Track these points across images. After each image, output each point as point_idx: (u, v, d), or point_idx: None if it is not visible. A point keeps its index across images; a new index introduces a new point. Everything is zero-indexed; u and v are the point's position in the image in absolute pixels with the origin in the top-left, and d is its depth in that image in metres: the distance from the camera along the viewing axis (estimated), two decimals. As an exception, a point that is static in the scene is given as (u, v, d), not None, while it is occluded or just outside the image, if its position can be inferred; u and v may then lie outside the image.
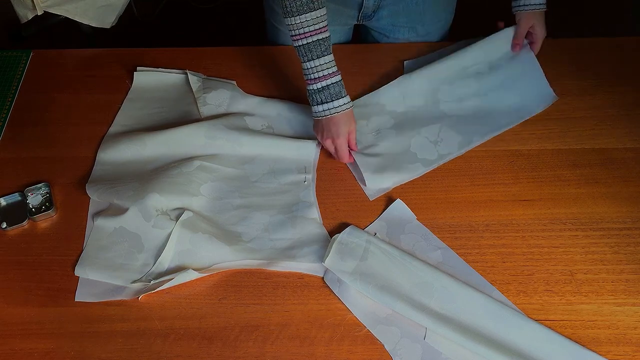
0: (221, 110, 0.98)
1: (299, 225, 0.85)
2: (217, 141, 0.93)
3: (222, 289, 0.80)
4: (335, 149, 0.90)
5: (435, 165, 0.92)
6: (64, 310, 0.78)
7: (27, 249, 0.84)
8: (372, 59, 1.08)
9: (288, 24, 0.86)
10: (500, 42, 1.02)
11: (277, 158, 0.93)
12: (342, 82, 0.89)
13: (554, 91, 1.00)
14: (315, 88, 0.88)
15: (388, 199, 0.88)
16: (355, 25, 1.12)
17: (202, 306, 0.78)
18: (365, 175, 0.90)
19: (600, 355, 0.73)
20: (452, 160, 0.93)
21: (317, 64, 0.87)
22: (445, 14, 1.11)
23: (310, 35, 0.85)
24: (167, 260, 0.81)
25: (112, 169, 0.92)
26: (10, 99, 1.01)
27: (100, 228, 0.85)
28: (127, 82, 1.03)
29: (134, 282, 0.79)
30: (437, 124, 0.97)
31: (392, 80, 1.01)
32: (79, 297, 0.79)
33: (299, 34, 0.86)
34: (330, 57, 0.88)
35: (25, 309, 0.78)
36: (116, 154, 0.93)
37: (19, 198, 0.87)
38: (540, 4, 0.98)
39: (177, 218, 0.83)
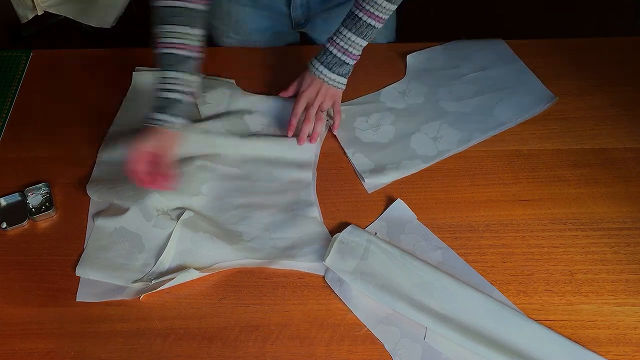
0: (221, 109, 0.98)
1: (299, 225, 0.86)
2: (217, 140, 0.93)
3: (222, 289, 0.80)
4: (134, 157, 0.81)
5: (434, 161, 0.92)
6: (64, 310, 0.78)
7: (27, 249, 0.84)
8: (372, 58, 1.07)
9: (157, 30, 0.82)
10: (490, 51, 1.07)
11: (278, 157, 0.93)
12: (190, 105, 0.84)
13: (553, 92, 1.00)
14: (164, 97, 0.82)
15: (388, 199, 0.89)
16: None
17: (202, 306, 0.78)
18: (364, 175, 0.90)
19: (600, 355, 0.73)
20: (452, 160, 0.93)
21: (178, 76, 0.82)
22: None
23: (181, 48, 0.81)
24: (167, 259, 0.81)
25: (112, 169, 0.92)
26: (10, 99, 1.01)
27: (100, 228, 0.85)
28: (126, 82, 1.03)
29: (135, 282, 0.79)
30: (437, 120, 0.98)
31: (392, 83, 1.03)
32: (80, 297, 0.79)
33: (167, 42, 0.81)
34: (192, 76, 0.83)
35: (25, 309, 0.78)
36: (116, 154, 0.93)
37: (19, 198, 0.87)
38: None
39: (178, 218, 0.83)
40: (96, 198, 0.88)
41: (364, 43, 0.89)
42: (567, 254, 0.83)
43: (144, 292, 0.78)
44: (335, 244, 0.81)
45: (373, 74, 1.05)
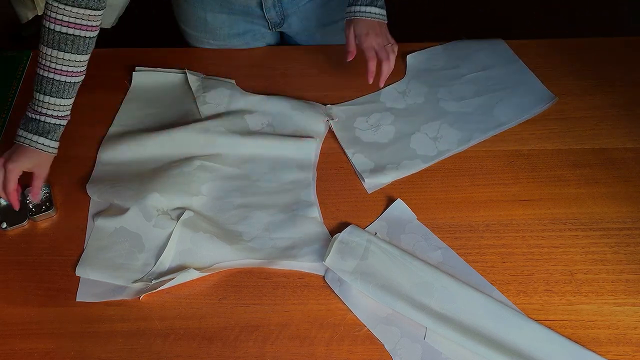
0: (221, 109, 0.98)
1: (299, 225, 0.86)
2: (218, 140, 0.93)
3: (222, 289, 0.80)
4: (5, 172, 0.82)
5: (434, 161, 0.92)
6: (64, 310, 0.78)
7: (27, 249, 0.84)
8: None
9: (42, 51, 0.81)
10: (490, 51, 1.07)
11: (278, 157, 0.93)
12: (59, 128, 0.85)
13: (553, 92, 1.01)
14: (36, 118, 0.83)
15: (388, 199, 0.89)
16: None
17: (202, 306, 0.78)
18: (364, 175, 0.90)
19: (600, 355, 0.73)
20: (452, 160, 0.93)
21: (53, 102, 0.83)
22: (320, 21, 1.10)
23: (60, 74, 0.82)
24: (168, 259, 0.81)
25: (112, 169, 0.92)
26: (10, 99, 1.01)
27: (100, 228, 0.85)
28: (126, 82, 1.03)
29: (135, 281, 0.79)
30: (437, 120, 0.98)
31: (392, 83, 1.03)
32: (80, 297, 0.79)
33: (47, 66, 0.81)
34: (69, 101, 0.85)
35: (25, 309, 0.78)
36: (116, 154, 0.93)
37: (19, 198, 0.87)
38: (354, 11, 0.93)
39: (178, 218, 0.83)
40: (96, 198, 0.88)
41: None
42: (567, 254, 0.83)
43: (144, 292, 0.78)
44: (335, 244, 0.81)
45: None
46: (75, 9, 0.79)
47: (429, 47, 1.08)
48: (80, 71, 0.84)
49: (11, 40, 1.83)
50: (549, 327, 0.76)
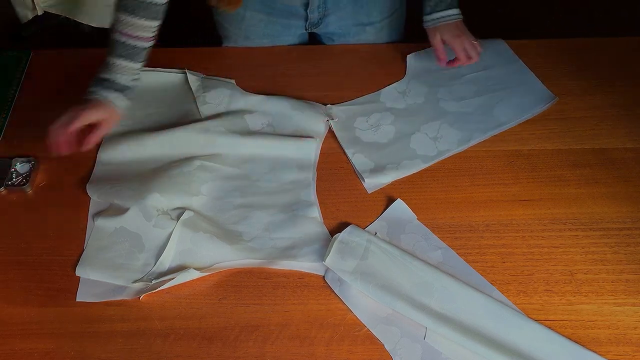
0: (221, 109, 0.98)
1: (299, 225, 0.86)
2: (218, 140, 0.93)
3: (222, 289, 0.80)
4: (74, 114, 0.85)
5: (434, 161, 0.92)
6: (64, 310, 0.78)
7: (27, 249, 0.84)
8: (372, 58, 1.08)
9: (117, 17, 0.86)
10: (490, 51, 1.06)
11: (278, 157, 0.93)
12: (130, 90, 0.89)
13: (553, 92, 1.01)
14: (106, 77, 0.88)
15: (388, 199, 0.89)
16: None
17: (202, 306, 0.78)
18: (364, 175, 0.90)
19: (600, 355, 0.73)
20: (452, 160, 0.93)
21: (124, 64, 0.87)
22: (395, 4, 1.11)
23: (132, 38, 0.86)
24: (168, 259, 0.81)
25: (112, 169, 0.92)
26: (10, 99, 1.01)
27: (100, 228, 0.85)
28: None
29: (135, 281, 0.79)
30: (437, 120, 0.98)
31: (392, 83, 1.03)
32: (80, 297, 0.79)
33: (121, 30, 0.86)
34: (139, 65, 0.89)
35: (25, 309, 0.78)
36: (116, 154, 0.93)
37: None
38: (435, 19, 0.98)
39: (178, 218, 0.83)
40: (96, 198, 0.88)
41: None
42: (567, 254, 0.83)
43: (144, 292, 0.78)
44: (335, 244, 0.81)
45: (373, 74, 1.05)
46: None
47: (429, 47, 1.08)
48: (151, 37, 0.88)
49: (11, 40, 1.83)
50: (549, 327, 0.76)
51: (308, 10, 1.04)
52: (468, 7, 1.01)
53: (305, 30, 1.10)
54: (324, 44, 1.15)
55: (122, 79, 0.87)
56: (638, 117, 0.97)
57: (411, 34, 1.14)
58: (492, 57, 1.06)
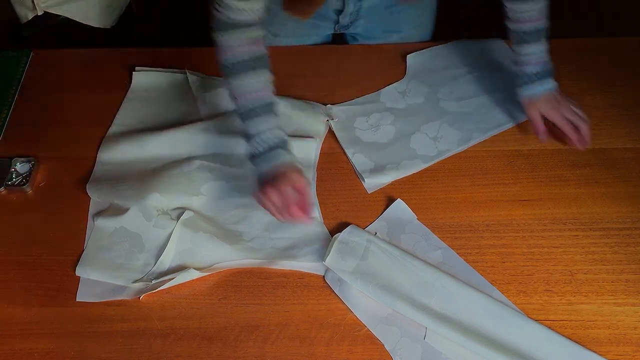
0: (221, 109, 0.98)
1: (299, 225, 0.85)
2: (218, 140, 0.93)
3: (222, 289, 0.80)
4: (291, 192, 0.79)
5: (434, 161, 0.92)
6: (64, 310, 0.78)
7: (27, 249, 0.84)
8: (372, 59, 1.08)
9: (230, 84, 0.82)
10: (490, 51, 1.06)
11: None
12: (286, 146, 0.83)
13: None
14: (259, 151, 0.82)
15: (388, 199, 0.89)
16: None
17: (202, 306, 0.78)
18: (364, 175, 0.90)
19: (600, 355, 0.73)
20: (452, 160, 0.93)
21: (261, 129, 0.82)
22: (423, 19, 1.11)
23: (255, 98, 0.82)
24: (168, 259, 0.82)
25: (112, 169, 0.92)
26: (10, 99, 1.01)
27: (100, 228, 0.85)
28: (126, 82, 1.03)
29: (135, 281, 0.79)
30: (437, 120, 0.98)
31: (392, 83, 1.03)
32: (80, 297, 0.79)
33: (242, 96, 0.82)
34: (274, 121, 0.82)
35: (25, 309, 0.78)
36: (116, 154, 0.93)
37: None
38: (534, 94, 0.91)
39: (178, 217, 0.83)
40: (96, 198, 0.88)
41: (543, 47, 0.90)
42: (567, 254, 0.83)
43: (144, 292, 0.78)
44: (335, 244, 0.81)
45: (373, 74, 1.05)
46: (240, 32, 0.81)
47: (429, 47, 1.08)
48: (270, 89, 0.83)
49: (11, 40, 1.83)
50: (549, 327, 0.76)
51: (340, 16, 1.04)
52: (468, 7, 1.01)
53: (334, 32, 1.10)
54: (347, 43, 1.15)
55: (273, 136, 0.82)
56: (638, 117, 0.97)
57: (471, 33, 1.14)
58: (492, 57, 1.06)
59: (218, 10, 0.80)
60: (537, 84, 0.91)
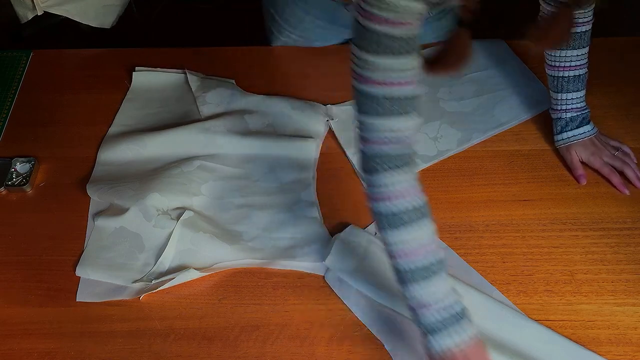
0: (221, 109, 0.98)
1: (299, 225, 0.86)
2: (218, 140, 0.93)
3: (222, 289, 0.80)
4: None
5: (434, 161, 0.92)
6: (64, 310, 0.78)
7: (27, 249, 0.84)
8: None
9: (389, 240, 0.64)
10: (490, 51, 1.06)
11: (278, 157, 0.93)
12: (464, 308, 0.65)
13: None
14: (434, 319, 0.63)
15: (388, 199, 0.88)
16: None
17: (202, 306, 0.78)
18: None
19: (600, 355, 0.73)
20: (452, 160, 0.93)
21: (437, 297, 0.63)
22: (448, 28, 1.10)
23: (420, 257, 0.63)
24: (168, 259, 0.81)
25: (112, 169, 0.92)
26: (10, 99, 1.01)
27: (100, 228, 0.85)
28: (126, 82, 1.03)
29: (135, 281, 0.79)
30: (436, 120, 0.98)
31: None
32: (80, 297, 0.79)
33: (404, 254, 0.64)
34: (447, 284, 0.64)
35: (25, 309, 0.78)
36: (117, 154, 0.93)
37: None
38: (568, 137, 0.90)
39: (178, 218, 0.83)
40: (96, 198, 0.88)
41: (581, 94, 0.90)
42: (567, 254, 0.83)
43: (144, 292, 0.78)
44: (335, 244, 0.81)
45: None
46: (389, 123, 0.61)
47: (429, 47, 1.08)
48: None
49: (11, 40, 1.83)
50: (549, 327, 0.76)
51: None
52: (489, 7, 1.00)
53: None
54: None
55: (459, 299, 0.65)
56: (638, 117, 0.98)
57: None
58: (492, 57, 1.06)
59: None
60: (573, 130, 0.90)
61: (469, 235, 0.85)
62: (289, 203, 0.88)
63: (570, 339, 0.75)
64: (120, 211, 0.85)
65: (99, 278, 0.80)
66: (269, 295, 0.79)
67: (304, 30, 1.08)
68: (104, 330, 0.76)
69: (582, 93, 0.90)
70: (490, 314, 0.76)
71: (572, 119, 0.90)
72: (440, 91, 1.02)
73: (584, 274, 0.81)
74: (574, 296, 0.79)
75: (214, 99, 0.99)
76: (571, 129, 0.90)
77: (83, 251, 0.83)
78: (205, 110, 0.98)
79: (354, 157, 0.93)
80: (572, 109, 0.90)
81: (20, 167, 0.90)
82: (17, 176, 0.89)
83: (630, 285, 0.79)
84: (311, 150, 0.94)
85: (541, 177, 0.91)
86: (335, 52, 1.09)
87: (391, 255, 0.64)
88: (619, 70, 1.04)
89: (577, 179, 0.90)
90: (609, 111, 0.98)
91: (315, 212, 0.87)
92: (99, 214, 0.86)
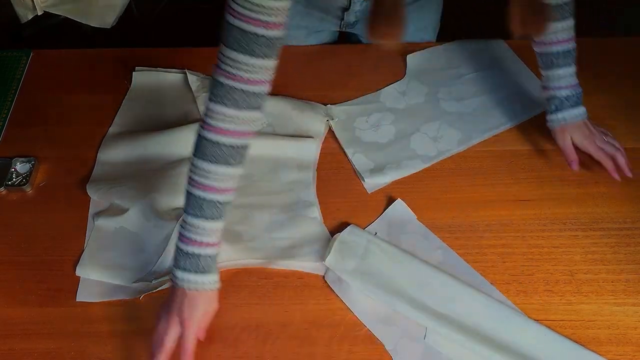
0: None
1: (299, 225, 0.86)
2: (217, 141, 0.93)
3: (222, 289, 0.80)
4: (184, 328, 0.70)
5: (434, 161, 0.92)
6: (64, 310, 0.78)
7: (27, 249, 0.84)
8: (372, 59, 1.08)
9: (195, 163, 0.70)
10: (490, 51, 1.07)
11: (278, 157, 0.93)
12: (216, 257, 0.72)
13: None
14: (188, 251, 0.70)
15: (388, 199, 0.89)
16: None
17: (202, 306, 0.78)
18: (364, 175, 0.90)
19: (600, 355, 0.73)
20: (452, 160, 0.93)
21: (204, 225, 0.70)
22: (429, 20, 1.11)
23: (213, 191, 0.70)
24: (168, 259, 0.81)
25: (112, 169, 0.92)
26: (10, 99, 1.01)
27: (101, 228, 0.85)
28: (126, 82, 1.03)
29: (135, 281, 0.79)
30: (436, 120, 0.98)
31: (392, 83, 1.03)
32: (80, 297, 0.79)
33: (201, 183, 0.69)
34: (221, 224, 0.72)
35: (25, 309, 0.78)
36: (117, 154, 0.93)
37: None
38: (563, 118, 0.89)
39: (178, 218, 0.83)
40: (96, 198, 0.88)
41: (572, 70, 0.87)
42: (567, 254, 0.83)
43: (144, 292, 0.78)
44: (335, 244, 0.81)
45: (373, 74, 1.05)
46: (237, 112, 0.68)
47: (429, 47, 1.08)
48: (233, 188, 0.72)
49: (11, 40, 1.84)
50: (549, 327, 0.76)
51: (345, 14, 1.04)
52: (469, 7, 1.01)
53: (340, 29, 1.09)
54: (353, 43, 1.15)
55: (209, 250, 0.71)
56: (638, 117, 0.98)
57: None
58: (492, 57, 1.06)
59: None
60: (569, 109, 0.88)
61: (469, 235, 0.85)
62: (289, 203, 0.88)
63: (570, 339, 0.75)
64: (120, 211, 0.85)
65: (99, 278, 0.80)
66: (269, 295, 0.79)
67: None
68: (104, 330, 0.76)
69: (573, 69, 0.88)
70: (490, 314, 0.76)
71: (567, 98, 0.88)
72: (441, 91, 1.02)
73: (584, 274, 0.81)
74: (574, 296, 0.79)
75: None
76: (567, 109, 0.88)
77: (83, 251, 0.83)
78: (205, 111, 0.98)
79: (354, 157, 0.94)
80: (565, 86, 0.88)
81: (20, 167, 0.90)
82: (17, 176, 0.89)
83: (630, 285, 0.79)
84: (311, 150, 0.94)
85: (541, 177, 0.91)
86: (335, 52, 1.09)
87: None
88: (619, 70, 1.04)
89: (569, 164, 0.89)
90: (609, 111, 0.98)
91: (315, 212, 0.87)
92: (99, 214, 0.86)
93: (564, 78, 0.88)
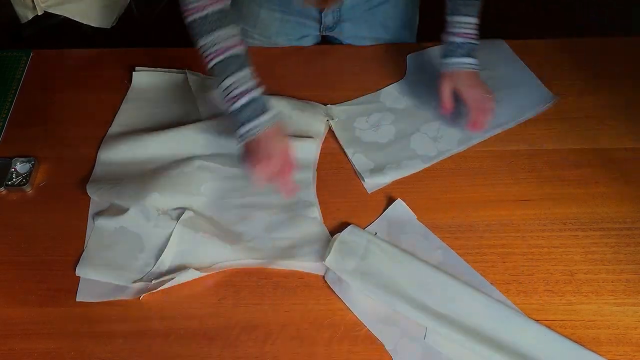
0: (221, 109, 0.98)
1: (299, 225, 0.86)
2: (218, 140, 0.93)
3: (222, 289, 0.80)
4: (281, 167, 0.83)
5: (434, 161, 0.92)
6: (64, 310, 0.78)
7: (27, 249, 0.84)
8: (372, 58, 1.08)
9: (200, 45, 0.82)
10: (490, 51, 1.06)
11: (278, 158, 0.93)
12: (264, 96, 0.84)
13: (553, 92, 1.01)
14: (238, 106, 0.82)
15: (388, 199, 0.89)
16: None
17: (202, 306, 0.78)
18: (364, 175, 0.90)
19: (600, 355, 0.73)
20: (452, 160, 0.93)
21: (235, 79, 0.82)
22: (407, 17, 1.11)
23: (225, 51, 0.81)
24: (168, 259, 0.82)
25: (112, 169, 0.92)
26: (10, 99, 1.01)
27: (101, 228, 0.85)
28: (126, 82, 1.03)
29: (135, 281, 0.79)
30: (436, 120, 0.98)
31: (392, 83, 1.03)
32: (80, 297, 0.79)
33: (213, 52, 0.81)
34: (248, 70, 0.83)
35: (25, 309, 0.78)
36: (116, 154, 0.93)
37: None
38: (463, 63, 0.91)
39: (178, 218, 0.83)
40: (96, 198, 0.88)
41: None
42: (567, 254, 0.83)
43: (144, 292, 0.78)
44: (335, 244, 0.81)
45: (373, 74, 1.05)
46: None
47: (429, 47, 1.08)
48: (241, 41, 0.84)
49: (11, 40, 1.84)
50: (549, 327, 0.76)
51: (322, 14, 1.04)
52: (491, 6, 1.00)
53: (320, 32, 1.10)
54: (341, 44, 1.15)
55: (247, 97, 0.82)
56: (638, 117, 0.97)
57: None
58: (492, 57, 1.06)
59: None
60: (460, 57, 0.90)
61: (469, 235, 0.85)
62: (289, 203, 0.88)
63: (570, 339, 0.75)
64: (120, 211, 0.85)
65: (99, 278, 0.80)
66: (269, 295, 0.79)
67: (262, 28, 1.08)
68: (104, 330, 0.76)
69: (474, 20, 0.90)
70: (490, 314, 0.76)
71: (460, 45, 0.90)
72: (440, 91, 1.02)
73: (584, 274, 0.81)
74: (574, 296, 0.79)
75: (214, 99, 0.99)
76: (458, 56, 0.90)
77: (83, 251, 0.83)
78: (205, 110, 0.98)
79: (354, 157, 0.94)
80: (462, 33, 0.90)
81: (20, 167, 0.90)
82: (17, 176, 0.89)
83: (630, 285, 0.79)
84: (311, 150, 0.94)
85: (541, 177, 0.91)
86: (335, 52, 1.09)
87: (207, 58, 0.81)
88: (619, 70, 1.04)
89: (443, 109, 0.93)
90: (609, 111, 0.98)
91: (315, 212, 0.87)
92: (99, 214, 0.86)
93: (462, 26, 0.90)
